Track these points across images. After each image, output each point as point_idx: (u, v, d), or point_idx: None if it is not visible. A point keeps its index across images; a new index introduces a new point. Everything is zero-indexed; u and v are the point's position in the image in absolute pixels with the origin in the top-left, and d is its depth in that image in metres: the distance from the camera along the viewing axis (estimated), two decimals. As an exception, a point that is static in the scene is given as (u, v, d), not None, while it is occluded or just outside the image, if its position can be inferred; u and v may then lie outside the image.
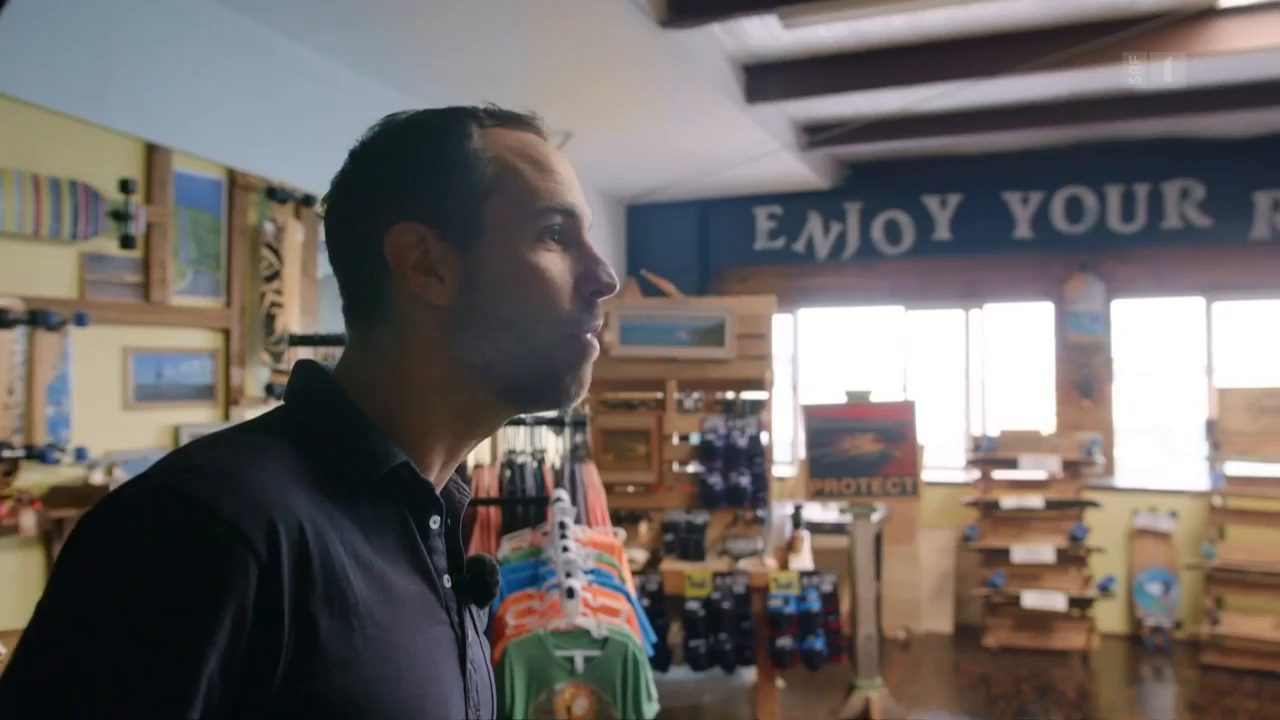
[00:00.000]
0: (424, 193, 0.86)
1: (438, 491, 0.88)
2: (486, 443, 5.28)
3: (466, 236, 0.86)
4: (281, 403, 0.89)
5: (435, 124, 0.89)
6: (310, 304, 4.82)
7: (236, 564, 0.68)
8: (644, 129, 5.88)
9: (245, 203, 4.44)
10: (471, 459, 3.36)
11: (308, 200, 4.64)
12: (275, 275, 4.49)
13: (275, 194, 4.49)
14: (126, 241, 3.75)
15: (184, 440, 4.13)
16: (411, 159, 0.88)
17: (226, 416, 4.34)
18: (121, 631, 0.66)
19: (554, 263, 0.87)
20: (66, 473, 3.61)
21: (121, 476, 3.73)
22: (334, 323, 5.06)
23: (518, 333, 0.86)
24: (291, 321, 4.53)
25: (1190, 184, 6.77)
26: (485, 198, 0.86)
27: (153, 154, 3.97)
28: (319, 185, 4.67)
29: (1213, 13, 4.70)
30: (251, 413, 4.44)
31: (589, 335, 0.89)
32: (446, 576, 0.88)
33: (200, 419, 4.23)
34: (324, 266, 5.00)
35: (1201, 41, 4.79)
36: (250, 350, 4.47)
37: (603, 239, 7.53)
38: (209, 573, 0.68)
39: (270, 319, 4.47)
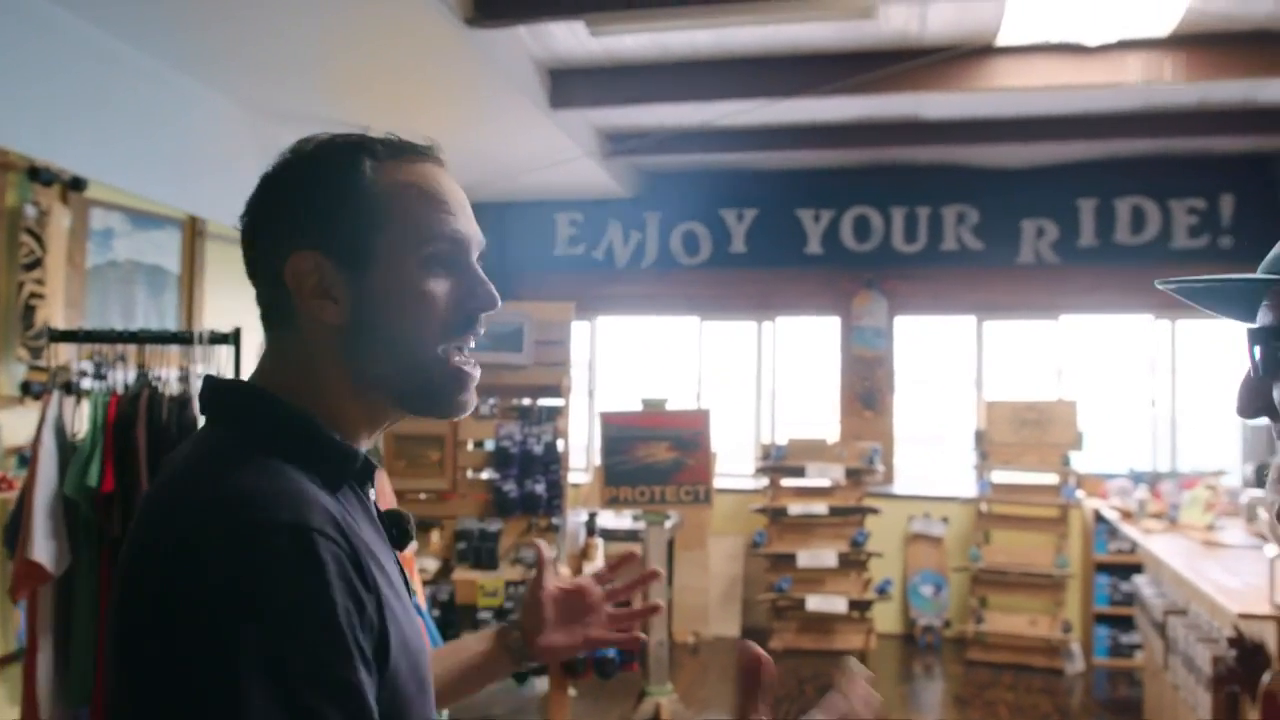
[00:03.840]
0: (320, 223, 0.95)
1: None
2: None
3: (358, 263, 0.95)
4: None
5: (332, 157, 0.98)
6: (76, 296, 4.47)
7: (335, 558, 0.83)
8: (444, 128, 5.74)
9: (3, 183, 4.07)
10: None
11: (76, 183, 4.30)
12: (36, 263, 4.13)
13: (39, 175, 4.14)
14: None
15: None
16: (309, 191, 0.96)
17: (-26, 416, 3.96)
18: (293, 632, 0.80)
19: (438, 286, 0.97)
20: None
21: None
22: (103, 317, 4.71)
23: (401, 349, 0.97)
24: (54, 314, 4.19)
25: (966, 209, 7.20)
26: (376, 227, 0.96)
27: (-109, 124, 3.58)
28: (90, 167, 4.34)
29: (990, 50, 5.01)
30: (4, 414, 4.07)
31: (461, 362, 0.99)
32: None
33: (-58, 419, 3.85)
34: (93, 256, 4.65)
35: (980, 77, 5.09)
36: (5, 345, 4.09)
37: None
38: (326, 571, 0.82)
39: (29, 311, 4.11)
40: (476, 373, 1.01)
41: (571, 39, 5.04)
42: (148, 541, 0.86)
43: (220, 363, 2.89)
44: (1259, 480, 5.94)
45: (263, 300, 1.00)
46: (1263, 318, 0.90)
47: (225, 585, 0.80)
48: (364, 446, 1.03)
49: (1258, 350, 0.89)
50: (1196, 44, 4.78)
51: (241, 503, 0.84)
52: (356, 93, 5.09)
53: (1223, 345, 7.19)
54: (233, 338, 2.85)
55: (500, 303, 1.02)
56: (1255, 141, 6.50)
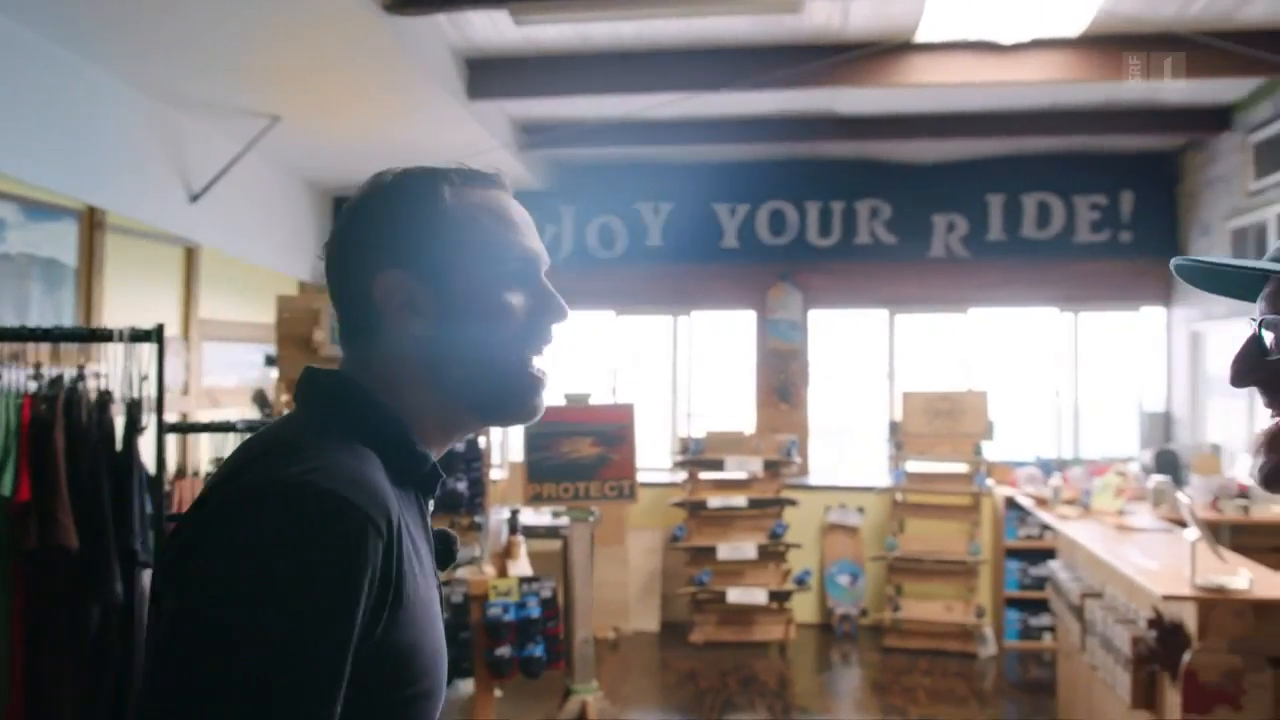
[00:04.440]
0: (405, 244, 1.05)
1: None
2: (192, 452, 4.88)
3: (441, 279, 1.04)
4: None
5: (414, 186, 1.07)
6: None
7: (371, 543, 0.88)
8: (358, 117, 5.60)
9: (-112, 171, 3.82)
10: (171, 468, 3.04)
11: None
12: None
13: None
14: None
15: None
16: (394, 217, 1.06)
17: None
18: (300, 596, 0.84)
19: (514, 299, 1.06)
20: None
21: None
22: (18, 313, 4.46)
23: (484, 356, 1.05)
24: (-55, 311, 3.95)
25: (879, 204, 7.31)
26: (456, 246, 1.05)
27: None
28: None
29: (908, 47, 5.07)
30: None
31: (537, 371, 1.08)
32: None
33: None
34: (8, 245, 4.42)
35: (897, 73, 5.16)
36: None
37: (307, 232, 7.14)
38: (354, 551, 0.87)
39: (-82, 307, 3.87)
40: (548, 378, 1.10)
41: (491, 28, 4.95)
42: (206, 497, 0.92)
43: (143, 361, 2.75)
44: (1159, 466, 6.17)
45: (348, 317, 1.08)
46: (1266, 304, 0.96)
47: (274, 534, 0.85)
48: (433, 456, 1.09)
49: (1267, 329, 0.94)
50: (1106, 45, 4.92)
51: (291, 466, 0.90)
52: (270, 81, 4.92)
53: (1120, 337, 7.46)
54: (155, 334, 2.71)
55: (569, 314, 1.10)
56: (1154, 140, 6.75)
